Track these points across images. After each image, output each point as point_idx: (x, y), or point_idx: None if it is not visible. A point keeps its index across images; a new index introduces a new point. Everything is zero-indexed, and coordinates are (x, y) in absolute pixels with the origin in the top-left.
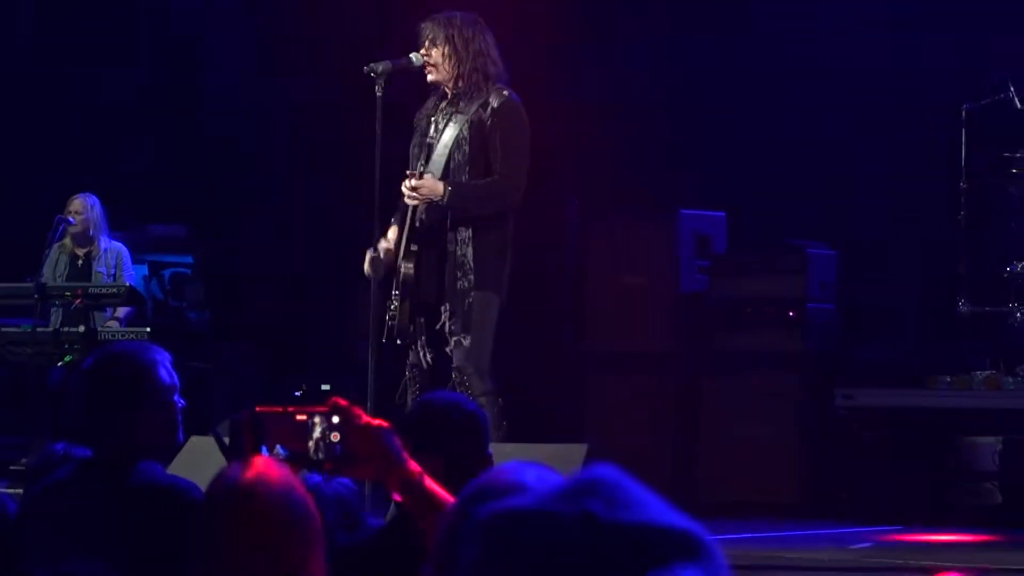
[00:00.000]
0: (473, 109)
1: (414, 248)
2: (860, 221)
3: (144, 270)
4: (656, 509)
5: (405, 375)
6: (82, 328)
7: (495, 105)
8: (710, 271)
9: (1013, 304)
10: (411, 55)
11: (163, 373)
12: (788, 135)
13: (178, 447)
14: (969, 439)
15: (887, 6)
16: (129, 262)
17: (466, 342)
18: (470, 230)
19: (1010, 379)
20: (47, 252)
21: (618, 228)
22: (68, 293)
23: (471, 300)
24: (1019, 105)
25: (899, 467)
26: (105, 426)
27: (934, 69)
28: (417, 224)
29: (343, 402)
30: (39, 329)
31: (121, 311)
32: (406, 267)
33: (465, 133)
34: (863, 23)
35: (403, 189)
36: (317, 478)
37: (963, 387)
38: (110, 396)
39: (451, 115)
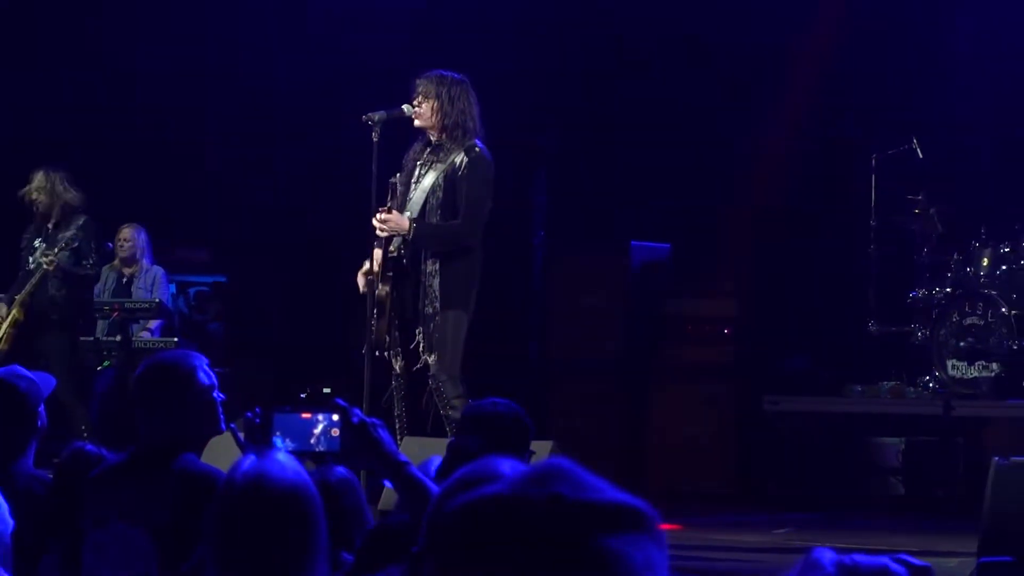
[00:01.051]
0: (450, 160)
1: (389, 274)
2: (787, 253)
3: (172, 288)
4: (609, 490)
5: (391, 383)
6: (119, 337)
7: (468, 158)
8: (657, 294)
9: (915, 325)
10: (403, 106)
11: (202, 375)
12: (720, 175)
13: (220, 433)
14: (877, 439)
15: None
16: (165, 282)
17: (432, 358)
18: (437, 263)
19: (911, 389)
20: (101, 273)
21: (578, 257)
22: (107, 307)
23: (437, 321)
24: (920, 155)
25: (817, 463)
26: (157, 421)
27: (848, 124)
28: (393, 253)
29: (341, 403)
30: (82, 338)
31: (152, 323)
32: (382, 289)
33: (440, 182)
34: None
35: (374, 221)
36: (344, 469)
37: (872, 395)
38: (162, 396)
39: (432, 164)
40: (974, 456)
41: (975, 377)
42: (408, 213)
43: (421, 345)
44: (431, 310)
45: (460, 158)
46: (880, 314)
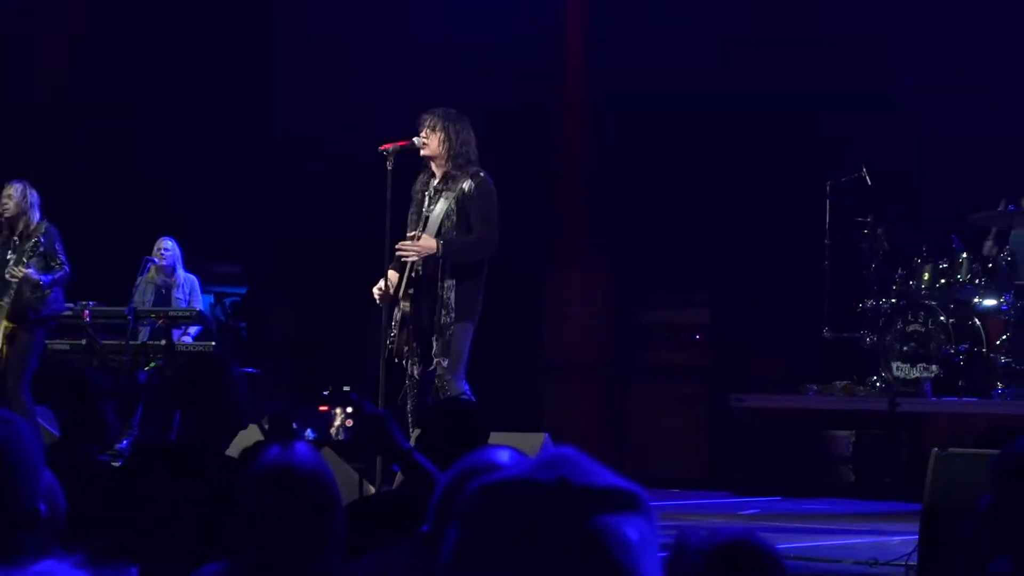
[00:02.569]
0: (457, 188)
1: (411, 291)
2: (752, 268)
3: (210, 299)
4: (608, 476)
5: (405, 384)
6: (163, 342)
7: (474, 184)
8: (639, 304)
9: (864, 332)
10: (413, 139)
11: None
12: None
13: (243, 426)
14: (830, 432)
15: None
16: (199, 290)
17: (445, 362)
18: (454, 280)
19: (861, 388)
20: (137, 283)
21: (569, 271)
22: (153, 315)
23: (451, 331)
24: (869, 182)
25: (778, 453)
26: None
27: (805, 152)
28: (414, 275)
29: (356, 398)
30: (131, 342)
31: (192, 329)
32: (404, 305)
33: (452, 207)
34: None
35: (402, 245)
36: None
37: (826, 393)
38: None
39: (441, 192)
40: (916, 448)
41: (917, 377)
42: (433, 231)
43: (435, 349)
44: (447, 320)
45: (468, 184)
46: (833, 321)
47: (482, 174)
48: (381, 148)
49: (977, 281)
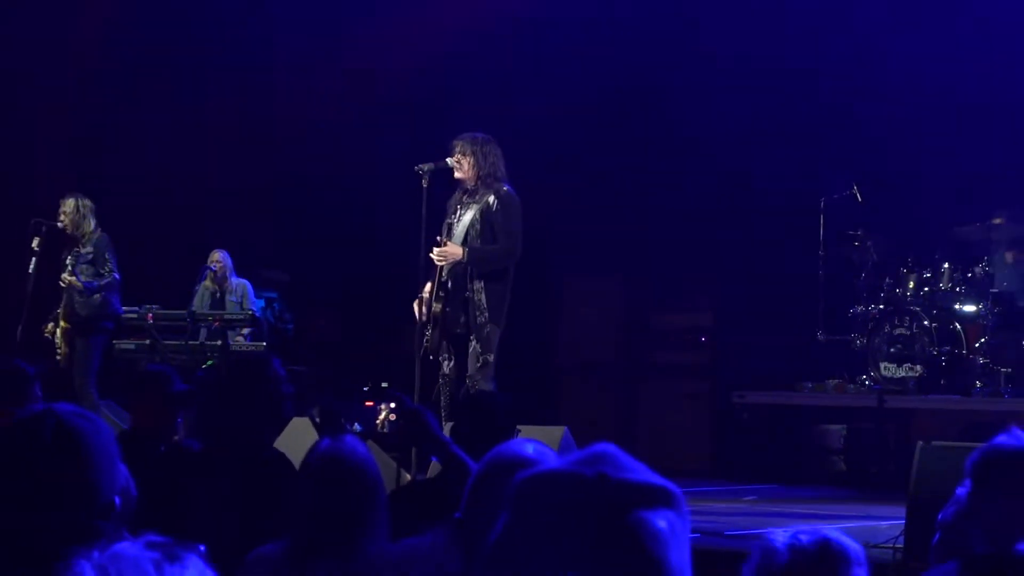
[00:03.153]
0: (483, 200)
1: (442, 295)
2: (754, 278)
3: (262, 303)
4: (645, 472)
5: (439, 381)
6: (219, 342)
7: (499, 197)
8: (648, 309)
9: (854, 335)
10: (447, 159)
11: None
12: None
13: (287, 420)
14: (823, 426)
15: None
16: (252, 294)
17: (479, 362)
18: (482, 282)
19: (851, 386)
20: (196, 289)
21: (582, 279)
22: (210, 318)
23: (487, 330)
24: (859, 199)
25: (775, 445)
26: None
27: (801, 173)
28: (444, 279)
29: (398, 394)
30: (190, 342)
31: (245, 330)
32: (436, 307)
33: (477, 217)
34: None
35: (433, 252)
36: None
37: (820, 390)
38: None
39: (468, 205)
40: (902, 440)
41: (903, 376)
42: (450, 243)
43: (475, 347)
44: (482, 319)
45: (492, 198)
46: (826, 325)
47: (506, 188)
48: (416, 167)
49: (958, 289)
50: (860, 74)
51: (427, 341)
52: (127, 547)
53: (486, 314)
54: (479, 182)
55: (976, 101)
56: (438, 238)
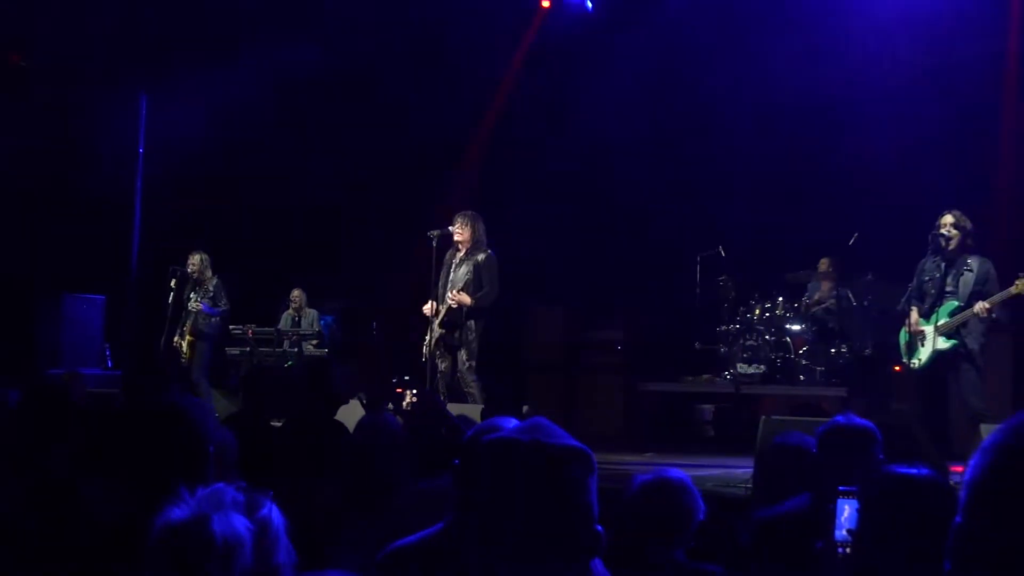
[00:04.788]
0: (474, 259)
1: (445, 319)
2: (653, 307)
3: (324, 322)
4: (566, 437)
5: (436, 375)
6: (296, 350)
7: (487, 258)
8: (581, 327)
9: (720, 344)
10: (449, 227)
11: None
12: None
13: (343, 402)
14: (699, 406)
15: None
16: (318, 318)
17: (466, 364)
18: (472, 317)
19: (718, 379)
20: (284, 314)
21: (539, 307)
22: (290, 333)
23: (473, 345)
24: (723, 255)
25: (667, 418)
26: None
27: (680, 236)
28: (445, 310)
29: (419, 386)
30: (276, 350)
31: (314, 343)
32: (436, 327)
33: (471, 270)
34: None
35: (450, 297)
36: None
37: (697, 382)
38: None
39: (464, 261)
40: (751, 415)
41: (752, 373)
42: (457, 287)
43: (463, 355)
44: (470, 337)
45: (482, 256)
46: (702, 338)
47: (490, 251)
48: (428, 234)
49: (788, 315)
50: (719, 166)
51: (426, 347)
52: (223, 487)
53: (471, 334)
54: (472, 245)
55: (798, 183)
56: (451, 291)
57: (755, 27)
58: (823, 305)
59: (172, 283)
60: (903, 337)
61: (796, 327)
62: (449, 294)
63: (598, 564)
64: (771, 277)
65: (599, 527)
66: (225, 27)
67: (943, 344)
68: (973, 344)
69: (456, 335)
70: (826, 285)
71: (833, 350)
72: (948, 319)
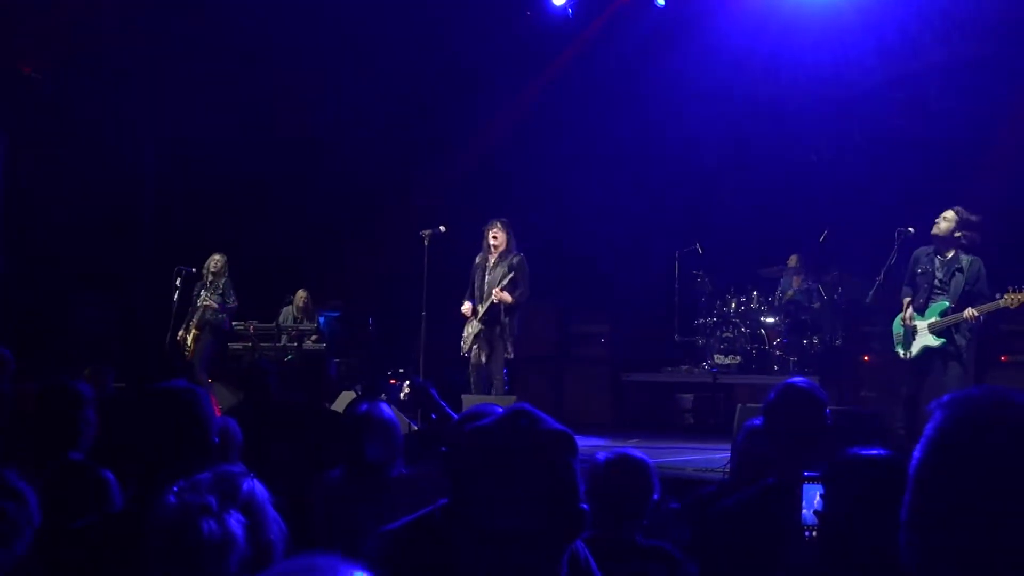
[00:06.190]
0: (507, 262)
1: (485, 317)
2: (636, 303)
3: (323, 319)
4: (551, 422)
5: (470, 367)
6: (295, 344)
7: (519, 259)
8: (570, 321)
9: (698, 337)
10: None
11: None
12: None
13: (338, 391)
14: (679, 395)
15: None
16: (317, 314)
17: (508, 354)
18: (510, 313)
19: (696, 369)
20: (284, 310)
21: (533, 303)
22: (290, 328)
23: (508, 342)
24: (700, 252)
25: (641, 406)
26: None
27: (660, 235)
28: (486, 307)
29: (413, 377)
30: (276, 344)
31: (314, 337)
32: (479, 324)
33: (506, 270)
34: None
35: (495, 294)
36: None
37: (677, 372)
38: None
39: (498, 263)
40: (728, 403)
41: (728, 363)
42: (497, 286)
43: (497, 350)
44: (507, 334)
45: (516, 259)
46: (681, 331)
47: (521, 255)
48: (420, 233)
49: (762, 308)
50: (697, 168)
51: (464, 342)
52: (227, 468)
53: (507, 331)
54: (505, 248)
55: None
56: (495, 290)
57: (732, 31)
58: (789, 295)
59: (177, 282)
60: (897, 327)
61: (770, 320)
62: (494, 292)
63: (578, 542)
64: (746, 273)
65: (584, 505)
66: (229, 31)
67: (933, 342)
68: (961, 340)
69: (497, 330)
70: (796, 280)
71: (805, 341)
72: (939, 318)
